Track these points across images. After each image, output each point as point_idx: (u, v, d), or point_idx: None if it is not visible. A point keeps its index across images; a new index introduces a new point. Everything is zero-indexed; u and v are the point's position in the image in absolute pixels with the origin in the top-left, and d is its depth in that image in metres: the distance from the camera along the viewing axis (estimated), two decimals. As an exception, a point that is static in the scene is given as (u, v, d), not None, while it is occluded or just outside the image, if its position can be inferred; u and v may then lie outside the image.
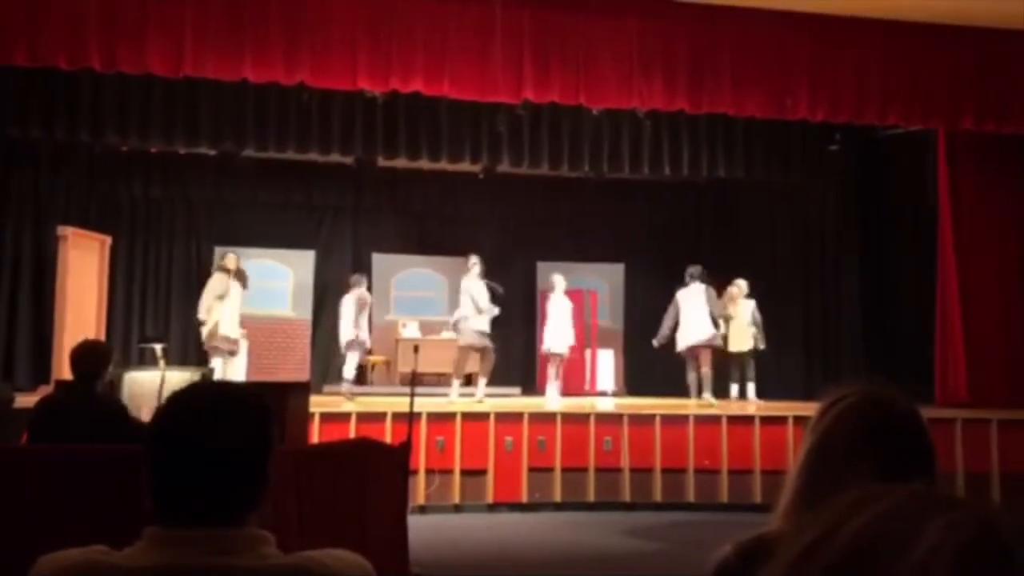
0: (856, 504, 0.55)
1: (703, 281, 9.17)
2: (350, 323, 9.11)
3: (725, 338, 9.24)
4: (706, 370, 9.02)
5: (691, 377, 9.11)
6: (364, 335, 9.27)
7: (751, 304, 9.40)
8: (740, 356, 9.41)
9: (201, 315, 8.83)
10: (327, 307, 10.88)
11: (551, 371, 9.26)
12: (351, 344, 9.09)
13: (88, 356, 4.19)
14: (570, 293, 9.92)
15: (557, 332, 9.33)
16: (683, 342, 9.09)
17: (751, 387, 9.30)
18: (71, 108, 8.53)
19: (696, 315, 9.05)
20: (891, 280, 10.23)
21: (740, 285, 9.46)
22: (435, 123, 9.07)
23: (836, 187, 10.65)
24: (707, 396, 8.87)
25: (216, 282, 8.87)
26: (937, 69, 8.15)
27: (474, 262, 8.80)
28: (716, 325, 9.10)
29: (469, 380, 9.44)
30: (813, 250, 10.90)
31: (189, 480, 1.27)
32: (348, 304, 9.17)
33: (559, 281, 9.50)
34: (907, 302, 9.97)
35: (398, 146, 9.16)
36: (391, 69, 7.43)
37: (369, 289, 9.75)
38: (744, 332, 9.31)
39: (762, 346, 9.34)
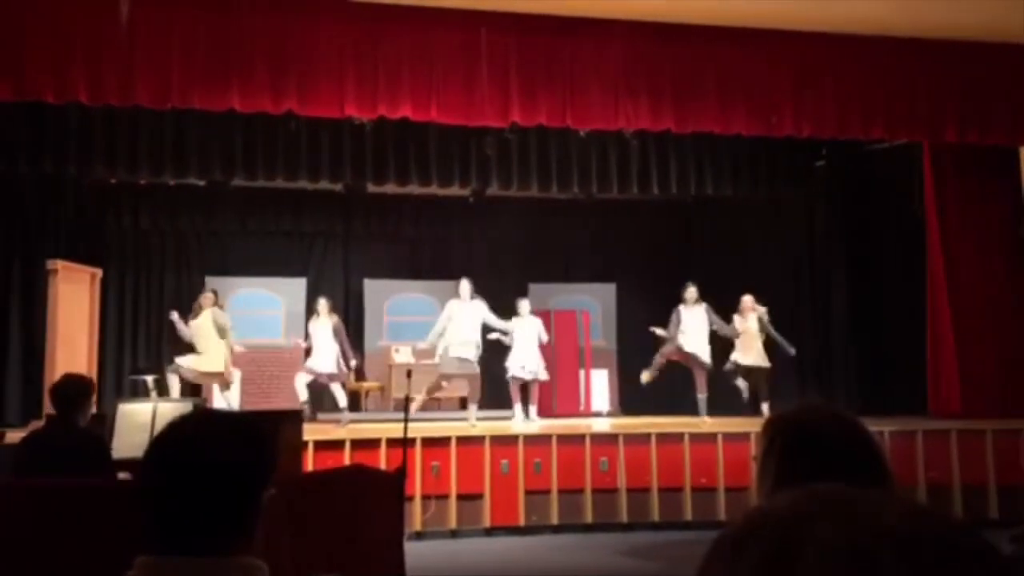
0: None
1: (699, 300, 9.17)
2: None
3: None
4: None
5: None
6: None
7: (756, 315, 9.24)
8: (753, 372, 9.22)
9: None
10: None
11: (517, 393, 9.05)
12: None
13: (66, 391, 4.27)
14: (562, 313, 9.82)
15: (523, 357, 9.13)
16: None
17: (765, 406, 8.95)
18: (58, 142, 8.52)
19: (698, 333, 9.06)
20: (881, 293, 10.25)
21: (746, 300, 9.30)
22: (424, 148, 9.09)
23: (824, 202, 10.70)
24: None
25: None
26: (919, 82, 8.22)
27: (464, 286, 8.77)
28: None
29: (463, 403, 9.38)
30: (802, 265, 10.93)
31: (182, 508, 1.27)
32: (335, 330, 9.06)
33: (524, 305, 9.34)
34: (898, 315, 9.98)
35: (387, 172, 9.17)
36: (378, 96, 7.45)
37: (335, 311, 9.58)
38: (756, 347, 9.16)
39: (766, 364, 9.17)
